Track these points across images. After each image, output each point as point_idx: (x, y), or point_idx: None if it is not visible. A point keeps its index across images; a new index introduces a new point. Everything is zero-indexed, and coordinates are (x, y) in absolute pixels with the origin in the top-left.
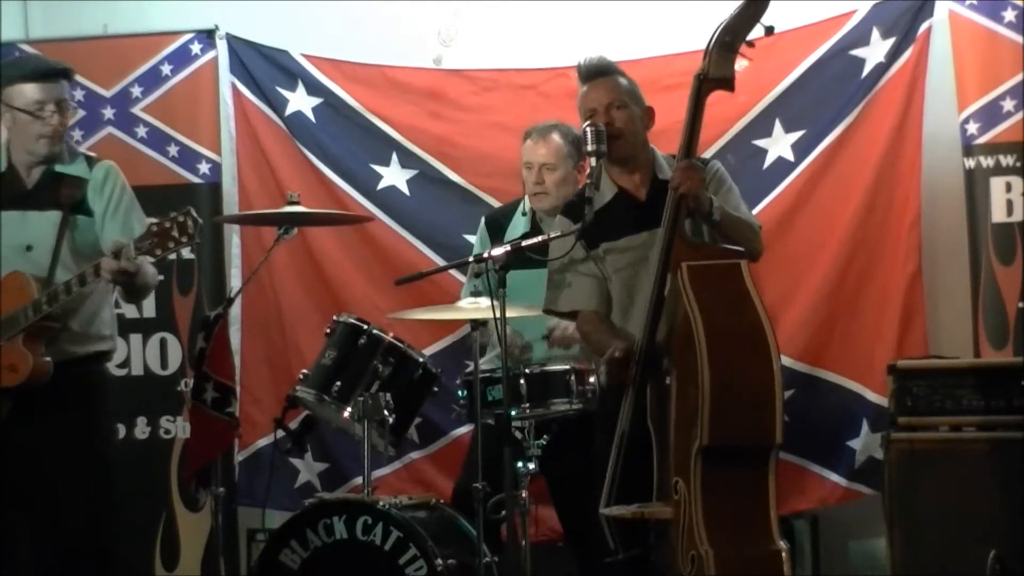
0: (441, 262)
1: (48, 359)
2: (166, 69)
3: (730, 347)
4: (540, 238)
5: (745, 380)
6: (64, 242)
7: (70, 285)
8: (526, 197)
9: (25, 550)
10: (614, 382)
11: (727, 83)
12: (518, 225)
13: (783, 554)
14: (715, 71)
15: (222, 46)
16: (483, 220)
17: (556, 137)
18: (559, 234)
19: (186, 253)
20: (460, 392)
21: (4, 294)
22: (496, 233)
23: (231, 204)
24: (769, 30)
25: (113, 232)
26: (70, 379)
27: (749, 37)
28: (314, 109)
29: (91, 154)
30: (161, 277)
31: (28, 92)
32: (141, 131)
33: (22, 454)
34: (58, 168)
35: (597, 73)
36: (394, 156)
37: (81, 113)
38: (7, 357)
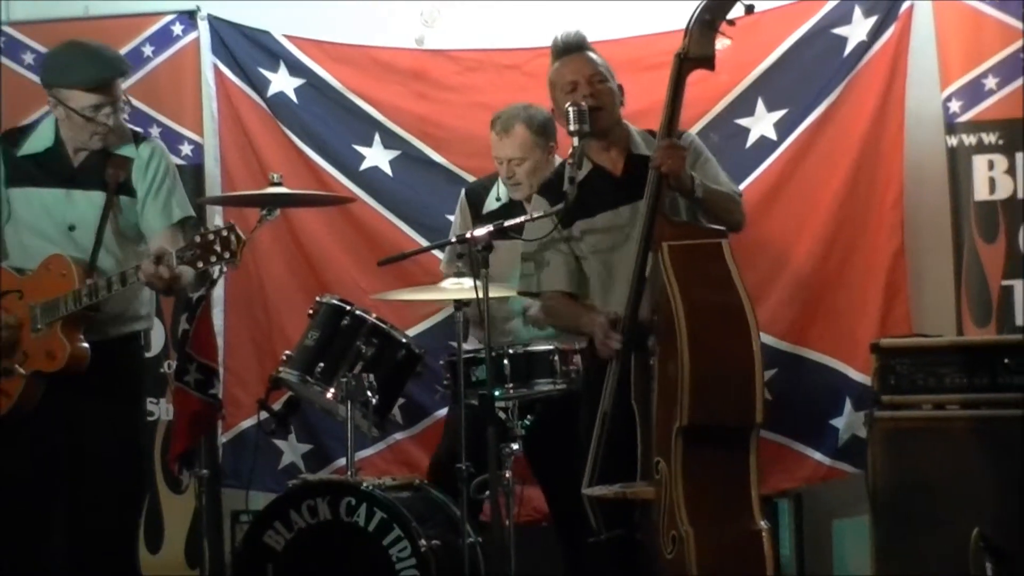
0: (424, 242)
1: (86, 346)
2: (148, 50)
3: (710, 327)
4: (523, 218)
5: (725, 360)
6: (108, 224)
7: (111, 283)
8: (500, 181)
9: (58, 535)
10: (606, 353)
11: (707, 62)
12: (491, 206)
13: (764, 534)
14: (695, 50)
15: (204, 27)
16: (463, 192)
17: (520, 130)
18: (542, 214)
19: None
20: (444, 372)
21: (46, 277)
22: (477, 205)
23: (214, 185)
24: (749, 8)
25: (153, 213)
26: (107, 360)
27: (730, 16)
28: (296, 90)
29: (137, 129)
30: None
31: (84, 99)
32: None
33: (59, 437)
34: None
35: (574, 48)
36: (377, 137)
37: None
38: (45, 343)
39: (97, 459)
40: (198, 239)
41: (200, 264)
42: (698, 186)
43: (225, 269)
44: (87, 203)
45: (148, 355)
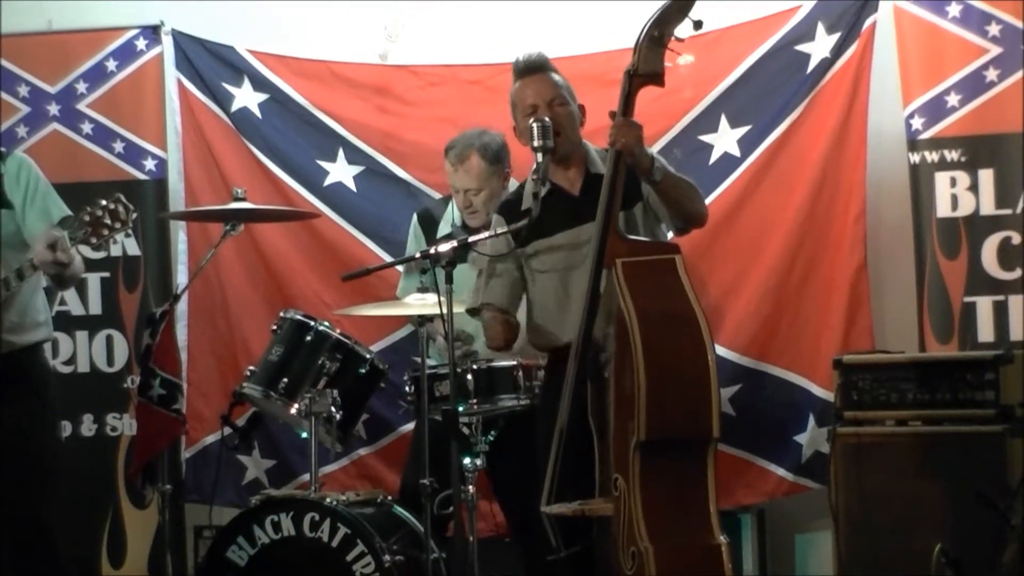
0: (388, 258)
1: None
2: (111, 65)
3: (665, 342)
4: (487, 234)
5: (681, 374)
6: None
7: (8, 280)
8: (453, 203)
9: None
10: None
11: (656, 78)
12: (444, 230)
13: (723, 548)
14: (644, 66)
15: (167, 42)
16: (415, 216)
17: (474, 160)
18: (505, 230)
19: (132, 249)
20: (408, 388)
21: None
22: (430, 228)
23: (177, 200)
24: (698, 24)
25: (34, 220)
26: (12, 371)
27: (680, 34)
28: (260, 105)
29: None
30: (106, 274)
31: None
32: (86, 127)
33: None
34: None
35: (536, 68)
36: (340, 152)
37: (25, 109)
38: None
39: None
40: (87, 217)
41: (95, 240)
42: (657, 168)
43: (118, 239)
44: None
45: (111, 370)
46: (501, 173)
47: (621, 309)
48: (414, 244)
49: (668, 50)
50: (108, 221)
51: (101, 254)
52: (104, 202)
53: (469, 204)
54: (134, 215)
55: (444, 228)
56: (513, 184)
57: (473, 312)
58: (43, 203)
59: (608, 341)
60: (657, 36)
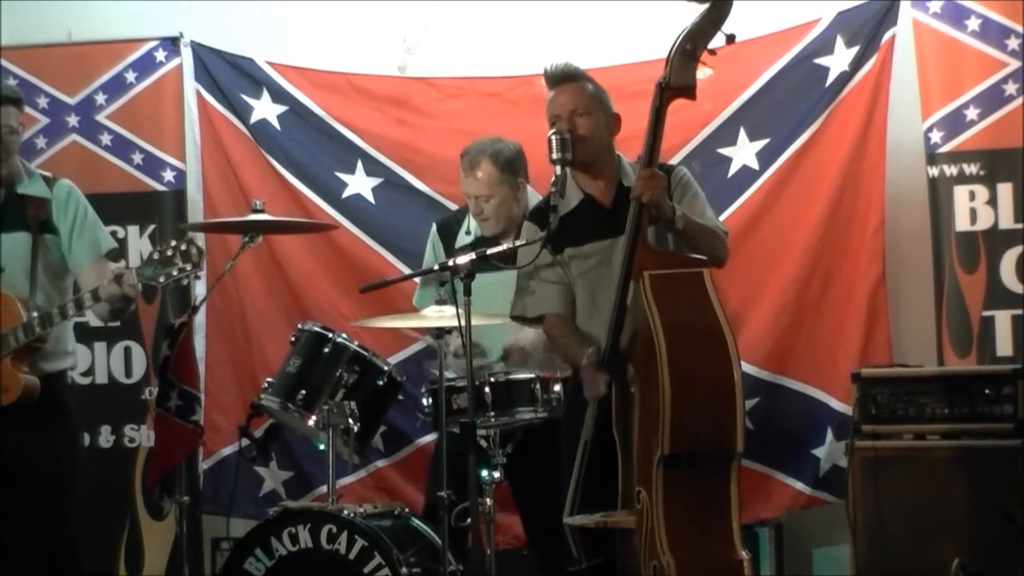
0: (406, 269)
1: (35, 378)
2: (130, 76)
3: (691, 356)
4: (505, 246)
5: (706, 389)
6: (38, 262)
7: (65, 309)
8: (470, 215)
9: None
10: (592, 395)
11: (688, 91)
12: (462, 240)
13: (745, 563)
14: (676, 79)
15: (187, 53)
16: (434, 226)
17: (486, 166)
18: (524, 242)
19: None
20: (425, 400)
21: None
22: (448, 238)
23: (196, 211)
24: (731, 38)
25: (81, 250)
26: (41, 396)
27: (712, 45)
28: (279, 116)
29: (46, 173)
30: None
31: None
32: (105, 138)
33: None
34: (19, 190)
35: (563, 79)
36: (359, 164)
37: (44, 120)
38: None
39: (30, 495)
40: (156, 255)
41: (163, 280)
42: (679, 218)
43: (191, 280)
44: (12, 244)
45: (129, 381)
46: (514, 182)
47: (648, 321)
48: (432, 255)
49: (701, 64)
50: (178, 261)
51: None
52: (175, 242)
53: (480, 211)
54: (203, 255)
55: (463, 238)
56: (532, 194)
57: (528, 321)
58: (92, 234)
59: (634, 353)
60: (690, 49)
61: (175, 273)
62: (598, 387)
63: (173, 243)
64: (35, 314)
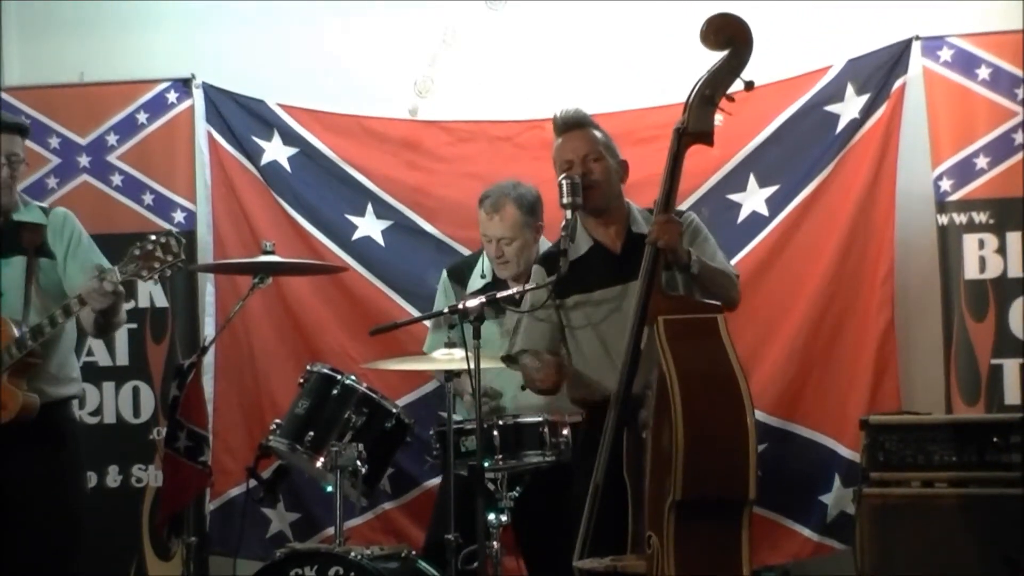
0: (415, 312)
1: (35, 396)
2: (142, 117)
3: (705, 402)
4: (515, 289)
5: (719, 435)
6: (32, 284)
7: (55, 317)
8: (484, 256)
9: None
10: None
11: (707, 137)
12: (476, 283)
13: None
14: (695, 125)
15: (198, 95)
16: (444, 272)
17: (510, 209)
18: (534, 286)
19: (160, 301)
20: (433, 442)
21: None
22: (460, 282)
23: (206, 252)
24: (749, 85)
25: (75, 271)
26: (44, 423)
27: (730, 91)
28: (290, 159)
29: (43, 204)
30: (133, 325)
31: None
32: (116, 179)
33: None
34: (16, 217)
35: (573, 125)
36: (369, 206)
37: (56, 160)
38: None
39: (23, 525)
40: (137, 251)
41: (146, 273)
42: (695, 262)
43: (170, 272)
44: (8, 268)
45: (137, 421)
46: (534, 225)
47: (661, 367)
48: (443, 299)
49: (720, 110)
50: (159, 254)
51: (130, 304)
52: (155, 236)
53: (501, 254)
54: (184, 246)
55: (476, 281)
56: (544, 241)
57: (508, 360)
58: (85, 255)
59: (647, 398)
60: (709, 95)
61: (157, 267)
62: (549, 370)
63: (153, 238)
64: (26, 329)
